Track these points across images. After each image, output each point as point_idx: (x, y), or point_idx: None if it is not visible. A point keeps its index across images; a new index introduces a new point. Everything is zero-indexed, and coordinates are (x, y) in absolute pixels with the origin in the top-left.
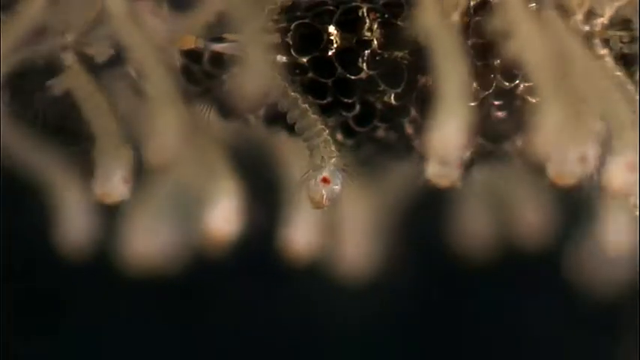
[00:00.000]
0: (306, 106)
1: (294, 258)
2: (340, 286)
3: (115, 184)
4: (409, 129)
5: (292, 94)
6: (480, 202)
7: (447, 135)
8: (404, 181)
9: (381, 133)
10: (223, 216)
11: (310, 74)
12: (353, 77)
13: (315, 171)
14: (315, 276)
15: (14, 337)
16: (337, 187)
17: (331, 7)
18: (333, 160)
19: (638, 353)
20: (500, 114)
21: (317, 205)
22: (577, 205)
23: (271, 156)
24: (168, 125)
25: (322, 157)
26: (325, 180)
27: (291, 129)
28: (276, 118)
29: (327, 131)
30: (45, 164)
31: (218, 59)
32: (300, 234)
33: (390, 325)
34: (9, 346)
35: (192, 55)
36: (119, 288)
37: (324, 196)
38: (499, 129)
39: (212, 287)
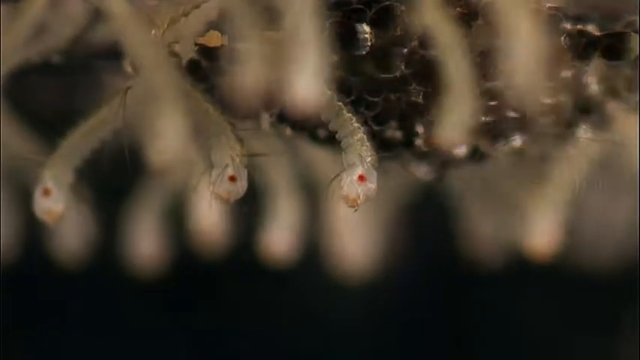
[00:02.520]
0: (341, 104)
1: (274, 260)
2: (340, 286)
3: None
4: (419, 128)
5: (326, 92)
6: (482, 202)
7: (451, 130)
8: (405, 180)
9: (389, 132)
10: (211, 215)
11: (339, 72)
12: (388, 76)
13: (350, 169)
14: (315, 276)
15: (13, 340)
16: (373, 186)
17: (365, 6)
18: (370, 158)
19: (638, 353)
20: (504, 113)
21: (352, 203)
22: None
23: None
24: (172, 126)
25: (360, 155)
26: (362, 178)
27: (297, 129)
28: (287, 118)
29: (362, 129)
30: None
31: (230, 56)
32: (282, 237)
33: (390, 325)
34: (8, 348)
35: (202, 52)
36: (118, 289)
37: (361, 195)
38: (502, 128)
39: (212, 287)
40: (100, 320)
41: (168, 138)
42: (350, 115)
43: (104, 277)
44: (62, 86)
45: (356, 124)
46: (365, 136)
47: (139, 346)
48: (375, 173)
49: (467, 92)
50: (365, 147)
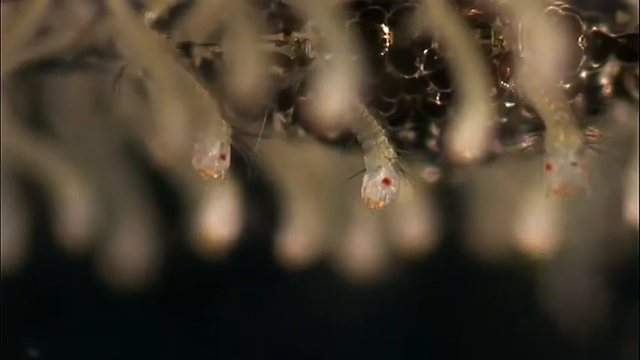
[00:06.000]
0: (363, 106)
1: (291, 260)
2: (341, 286)
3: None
4: (434, 129)
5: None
6: (485, 203)
7: (469, 134)
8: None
9: (403, 133)
10: (219, 218)
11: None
12: (406, 77)
13: (374, 172)
14: (315, 276)
15: (13, 335)
16: (395, 189)
17: (383, 7)
18: (393, 161)
19: (638, 353)
20: (511, 115)
21: (374, 206)
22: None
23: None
24: (175, 120)
25: (385, 157)
26: (387, 181)
27: (309, 129)
28: (299, 118)
29: (385, 132)
30: (46, 162)
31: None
32: (299, 237)
33: (391, 325)
34: (8, 344)
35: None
36: (119, 287)
37: (385, 197)
38: (508, 130)
39: (212, 288)
40: (101, 317)
41: (170, 132)
42: (372, 117)
43: (105, 273)
44: (59, 86)
45: (378, 127)
46: (386, 139)
47: (137, 345)
48: (397, 176)
49: (483, 98)
50: (389, 150)
